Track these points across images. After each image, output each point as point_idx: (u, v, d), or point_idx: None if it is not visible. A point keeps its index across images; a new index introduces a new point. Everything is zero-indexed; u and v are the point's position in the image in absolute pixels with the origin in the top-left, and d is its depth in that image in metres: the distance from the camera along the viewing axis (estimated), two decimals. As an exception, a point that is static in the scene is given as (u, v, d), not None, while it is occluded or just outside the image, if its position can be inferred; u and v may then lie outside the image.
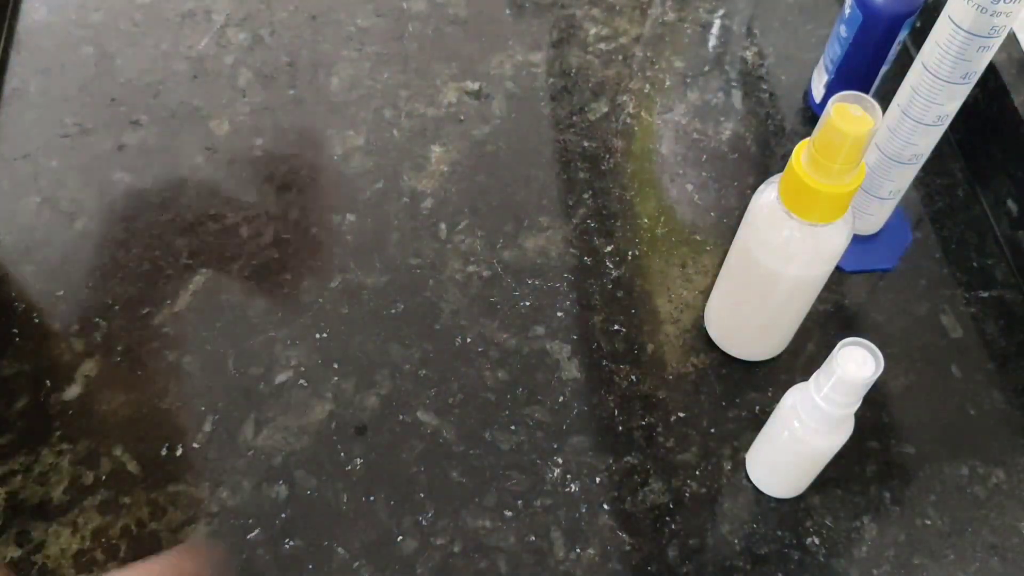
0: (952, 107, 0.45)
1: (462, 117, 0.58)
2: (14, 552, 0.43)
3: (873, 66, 0.54)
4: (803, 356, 0.50)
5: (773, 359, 0.50)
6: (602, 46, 0.62)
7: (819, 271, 0.43)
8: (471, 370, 0.49)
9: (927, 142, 0.47)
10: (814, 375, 0.40)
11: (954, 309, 0.52)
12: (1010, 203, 0.54)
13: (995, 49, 0.42)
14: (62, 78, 0.58)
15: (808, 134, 0.39)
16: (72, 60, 0.59)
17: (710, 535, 0.44)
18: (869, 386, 0.37)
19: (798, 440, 0.41)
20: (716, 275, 0.49)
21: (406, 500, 0.45)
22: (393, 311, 0.50)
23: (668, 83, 0.61)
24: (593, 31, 0.63)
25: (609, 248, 0.53)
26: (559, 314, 0.51)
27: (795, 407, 0.41)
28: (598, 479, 0.46)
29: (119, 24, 0.61)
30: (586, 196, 0.55)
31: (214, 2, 0.62)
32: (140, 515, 0.44)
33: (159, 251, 0.52)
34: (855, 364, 0.37)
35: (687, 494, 0.45)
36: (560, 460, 0.46)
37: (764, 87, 0.61)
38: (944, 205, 0.56)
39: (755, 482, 0.45)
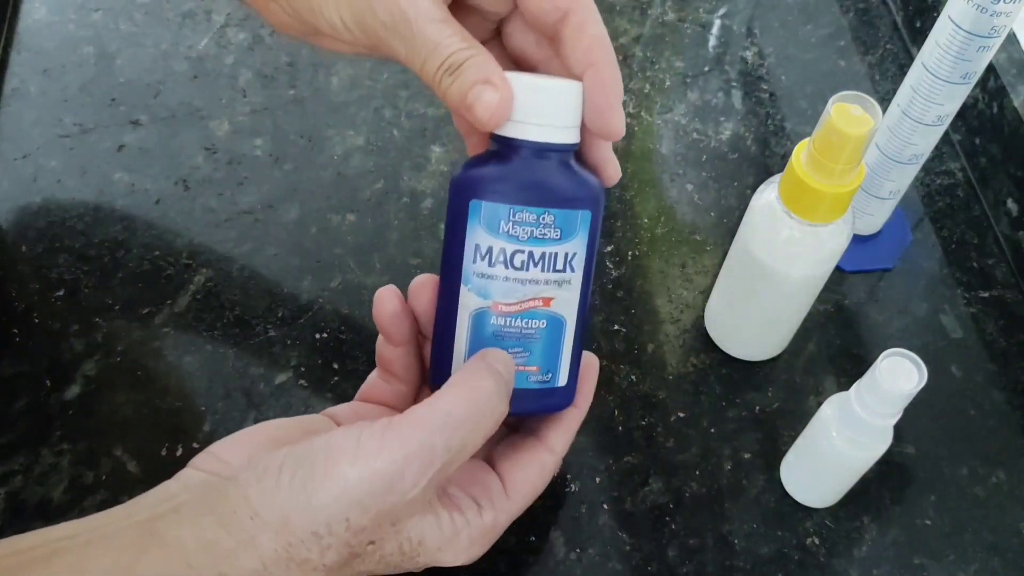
0: (952, 107, 0.45)
1: (462, 117, 0.58)
2: (14, 552, 0.42)
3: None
4: (803, 356, 0.50)
5: (773, 359, 0.50)
6: (602, 46, 0.62)
7: (819, 271, 0.43)
8: (471, 370, 0.49)
9: (927, 142, 0.47)
10: (854, 385, 0.39)
11: (954, 309, 0.52)
12: (1010, 203, 0.54)
13: (995, 49, 0.42)
14: (62, 78, 0.58)
15: (808, 134, 0.39)
16: (72, 60, 0.59)
17: (710, 535, 0.44)
18: (911, 398, 0.37)
19: (836, 450, 0.41)
20: (716, 275, 0.49)
21: (406, 500, 0.45)
22: (393, 311, 0.50)
23: (668, 83, 0.61)
24: (593, 31, 0.63)
25: (609, 248, 0.53)
26: (559, 314, 0.51)
27: (834, 417, 0.41)
28: (598, 479, 0.46)
29: (119, 24, 0.61)
30: (586, 196, 0.55)
31: (214, 2, 0.62)
32: (140, 515, 0.44)
33: (159, 251, 0.52)
34: (898, 375, 0.37)
35: (687, 494, 0.45)
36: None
37: (764, 87, 0.61)
38: (944, 205, 0.56)
39: (790, 492, 0.45)
